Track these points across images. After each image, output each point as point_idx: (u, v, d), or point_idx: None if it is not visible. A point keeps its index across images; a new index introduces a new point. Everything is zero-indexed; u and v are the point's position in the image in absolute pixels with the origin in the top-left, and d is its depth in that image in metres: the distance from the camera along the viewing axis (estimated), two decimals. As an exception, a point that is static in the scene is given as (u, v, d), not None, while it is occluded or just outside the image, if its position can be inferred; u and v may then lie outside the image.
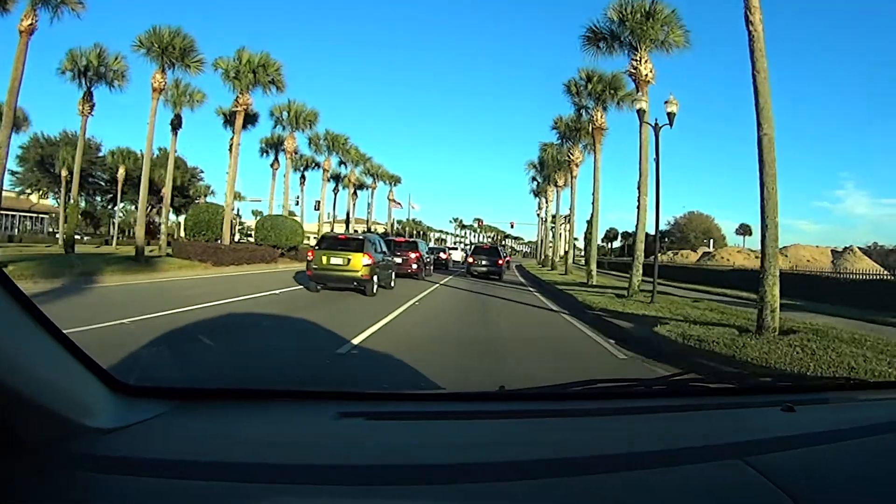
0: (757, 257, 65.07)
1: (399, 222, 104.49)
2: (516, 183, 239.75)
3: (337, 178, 63.68)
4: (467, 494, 1.19)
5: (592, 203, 25.72)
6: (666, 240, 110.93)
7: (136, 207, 54.38)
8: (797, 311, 15.51)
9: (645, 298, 17.69)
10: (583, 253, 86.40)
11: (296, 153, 49.99)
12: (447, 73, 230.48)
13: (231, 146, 43.47)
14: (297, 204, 59.23)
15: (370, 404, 1.80)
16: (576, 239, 61.37)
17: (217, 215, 33.34)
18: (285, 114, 41.96)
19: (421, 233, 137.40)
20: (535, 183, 59.18)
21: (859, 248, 69.86)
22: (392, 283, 20.21)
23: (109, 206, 76.08)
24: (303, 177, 55.05)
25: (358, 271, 16.84)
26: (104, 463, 1.20)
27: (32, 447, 1.16)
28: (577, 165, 34.30)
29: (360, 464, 1.29)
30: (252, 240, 41.42)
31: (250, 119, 43.25)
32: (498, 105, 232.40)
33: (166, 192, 39.82)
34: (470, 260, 31.52)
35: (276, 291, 17.03)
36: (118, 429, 1.35)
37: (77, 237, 70.10)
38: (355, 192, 69.82)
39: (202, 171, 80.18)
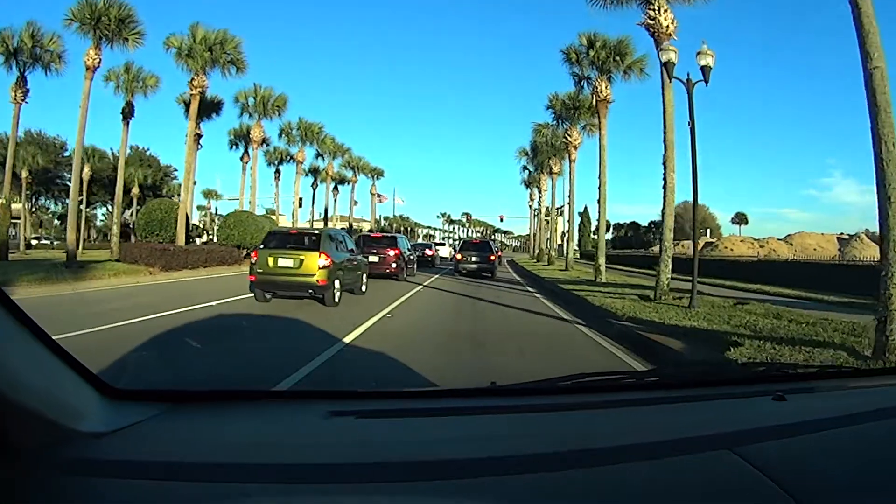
0: (762, 246, 62.73)
1: (386, 218, 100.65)
2: (506, 176, 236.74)
3: (315, 172, 59.89)
4: (459, 490, 1.18)
5: (599, 187, 22.10)
6: (659, 230, 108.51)
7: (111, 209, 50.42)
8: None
9: (677, 301, 14.08)
10: (576, 246, 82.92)
11: (266, 144, 46.17)
12: (431, 60, 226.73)
13: (195, 137, 40.11)
14: (300, 206, 55.52)
15: (360, 403, 1.79)
16: (564, 233, 58.55)
17: (171, 213, 29.49)
18: (251, 99, 38.03)
19: (408, 229, 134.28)
20: (527, 172, 55.50)
21: (866, 234, 67.36)
22: (363, 288, 16.57)
23: (87, 209, 72.37)
24: (277, 171, 51.10)
25: (312, 275, 13.14)
26: (96, 467, 1.20)
27: (24, 452, 1.15)
28: (575, 148, 30.70)
29: (351, 462, 1.28)
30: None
31: (213, 107, 39.39)
32: (486, 94, 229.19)
33: (118, 189, 35.81)
34: (458, 257, 27.82)
35: (214, 303, 13.41)
36: (109, 433, 1.33)
37: (47, 241, 66.39)
38: (336, 187, 66.06)
39: (176, 170, 75.98)
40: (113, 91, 34.71)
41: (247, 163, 46.22)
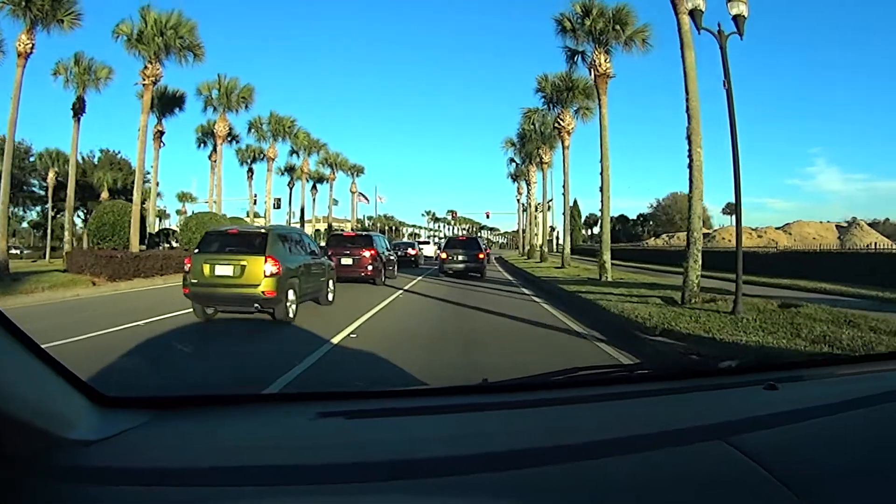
0: (760, 236, 60.49)
1: (369, 218, 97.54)
2: (491, 172, 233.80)
3: (291, 171, 57.04)
4: (453, 487, 1.18)
5: (601, 172, 19.48)
6: (651, 223, 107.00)
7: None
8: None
9: (711, 304, 11.50)
10: (559, 241, 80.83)
11: (236, 141, 43.25)
12: (410, 52, 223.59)
13: (156, 134, 37.13)
14: (277, 207, 52.53)
15: (350, 403, 1.78)
16: (552, 228, 56.07)
17: (125, 216, 26.58)
18: (215, 92, 34.97)
19: (393, 228, 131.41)
20: (514, 165, 52.77)
21: (865, 221, 65.83)
22: (330, 296, 13.88)
23: (59, 216, 69.12)
24: (250, 170, 48.18)
25: (257, 285, 10.45)
26: (87, 474, 1.20)
27: (14, 461, 1.15)
28: (568, 133, 28.03)
29: (341, 462, 1.27)
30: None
31: (175, 102, 36.47)
32: (470, 88, 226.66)
33: (69, 192, 32.84)
34: (443, 256, 25.14)
35: (142, 322, 10.74)
36: (100, 440, 1.32)
37: (16, 251, 63.03)
38: (314, 186, 63.08)
39: (149, 173, 72.46)
40: (63, 85, 31.88)
41: (215, 161, 43.28)
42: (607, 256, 19.30)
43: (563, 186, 27.78)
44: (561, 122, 28.12)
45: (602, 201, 19.51)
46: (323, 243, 22.62)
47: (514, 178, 57.73)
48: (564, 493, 1.18)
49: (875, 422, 1.52)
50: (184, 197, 75.43)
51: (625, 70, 27.53)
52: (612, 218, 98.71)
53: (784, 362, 2.48)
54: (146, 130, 26.90)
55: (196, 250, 11.49)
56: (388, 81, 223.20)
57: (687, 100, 13.12)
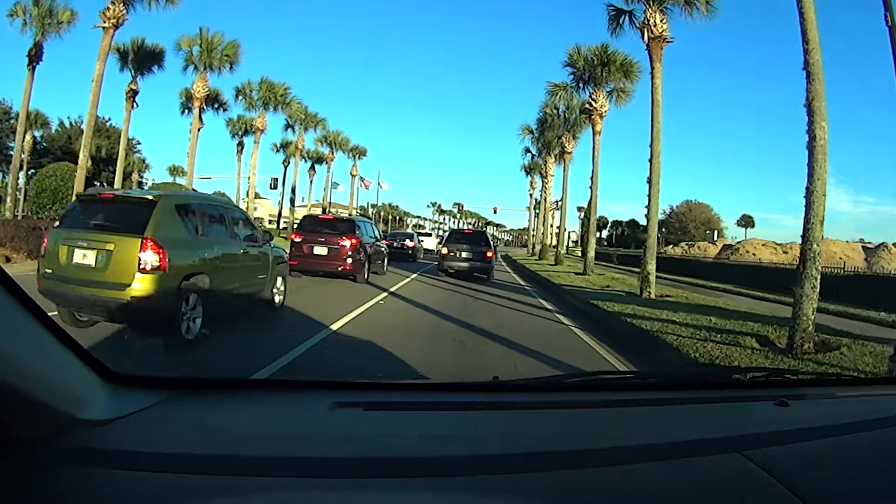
0: (785, 252, 56.29)
1: (373, 206, 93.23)
2: (501, 166, 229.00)
3: (287, 148, 52.93)
4: (465, 487, 1.17)
5: (650, 159, 15.26)
6: (664, 230, 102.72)
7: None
8: None
9: (838, 355, 7.47)
10: (572, 242, 75.98)
11: (221, 108, 38.94)
12: (421, 34, 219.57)
13: (129, 93, 32.93)
14: (274, 187, 48.40)
15: (367, 394, 1.77)
16: (559, 227, 51.38)
17: (68, 181, 22.52)
18: (196, 48, 30.69)
19: (397, 218, 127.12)
20: (529, 157, 48.28)
21: (892, 244, 62.14)
22: (277, 298, 9.86)
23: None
24: (240, 144, 44.03)
25: (125, 285, 6.35)
26: (98, 456, 1.18)
27: (25, 441, 1.12)
28: (601, 117, 23.71)
29: (357, 456, 1.26)
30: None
31: (152, 58, 32.17)
32: (483, 75, 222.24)
33: (16, 153, 28.63)
34: (443, 251, 20.93)
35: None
36: (112, 420, 1.31)
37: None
38: (313, 167, 58.88)
39: (139, 143, 68.52)
40: (20, 29, 27.73)
41: (199, 129, 39.13)
42: (652, 267, 15.11)
43: (591, 179, 23.42)
44: (593, 102, 23.78)
45: (650, 195, 15.30)
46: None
47: (528, 171, 53.23)
48: (580, 499, 1.17)
49: (889, 444, 1.51)
50: (175, 171, 71.14)
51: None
52: (621, 222, 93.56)
53: (794, 380, 2.35)
54: (100, 82, 22.71)
55: (56, 223, 7.41)
56: (398, 63, 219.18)
57: (806, 52, 8.86)
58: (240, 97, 36.62)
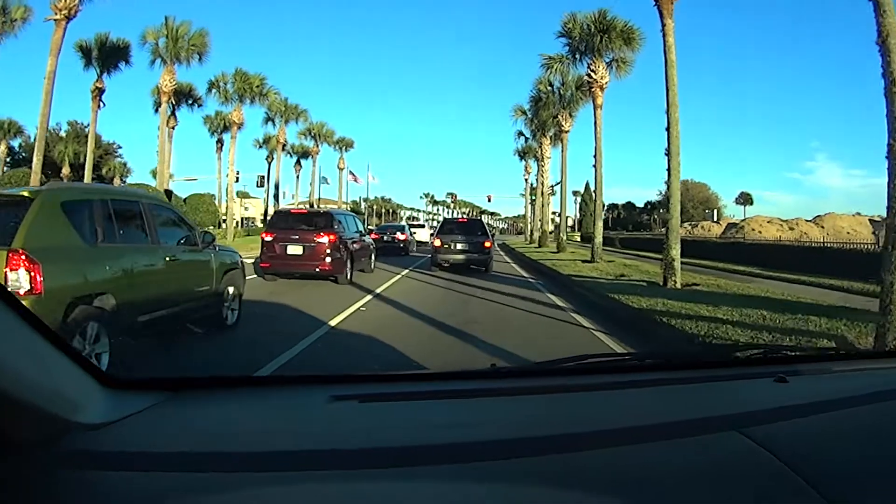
0: (791, 229, 54.45)
1: (366, 200, 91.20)
2: (493, 153, 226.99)
3: (269, 143, 50.86)
4: (464, 474, 1.17)
5: (667, 128, 13.26)
6: (661, 210, 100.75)
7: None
8: None
9: None
10: (569, 227, 74.09)
11: (196, 104, 36.87)
12: (408, 22, 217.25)
13: (95, 92, 30.88)
14: (261, 185, 46.27)
15: (363, 386, 1.77)
16: (555, 213, 49.63)
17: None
18: (162, 40, 28.56)
19: (390, 211, 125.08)
20: (523, 140, 46.24)
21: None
22: (228, 315, 7.96)
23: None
24: (220, 141, 41.84)
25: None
26: (96, 459, 1.18)
27: (21, 446, 1.12)
28: (601, 89, 21.68)
29: (355, 447, 1.26)
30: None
31: (117, 53, 30.20)
32: (473, 61, 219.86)
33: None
34: (436, 243, 18.88)
35: None
36: (108, 423, 1.29)
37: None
38: (298, 162, 56.73)
39: (119, 147, 66.60)
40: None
41: (174, 128, 37.05)
42: (677, 252, 13.05)
43: (595, 157, 21.22)
44: (593, 73, 21.71)
45: (669, 169, 13.24)
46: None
47: (522, 155, 51.21)
48: (580, 481, 1.17)
49: (888, 417, 1.51)
50: (156, 173, 69.05)
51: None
52: (617, 205, 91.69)
53: (793, 356, 2.36)
54: (53, 79, 20.83)
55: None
56: (383, 49, 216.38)
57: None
58: (213, 91, 34.41)
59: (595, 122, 21.32)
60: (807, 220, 58.67)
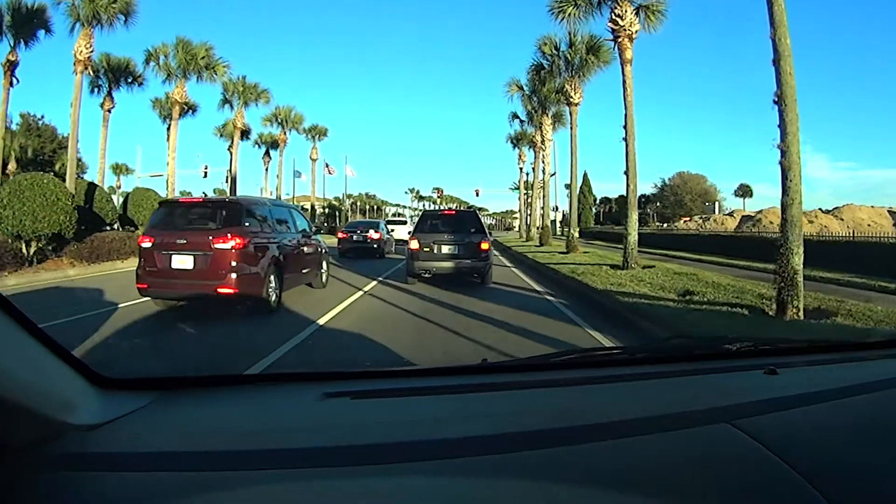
0: (811, 221, 49.29)
1: (349, 196, 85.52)
2: (481, 143, 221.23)
3: (246, 133, 45.47)
4: (457, 469, 1.17)
5: (776, 61, 8.13)
6: (658, 204, 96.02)
7: None
8: None
9: None
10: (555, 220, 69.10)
11: (135, 82, 31.25)
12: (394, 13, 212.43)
13: (6, 66, 25.40)
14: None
15: (354, 383, 1.76)
16: (555, 207, 44.16)
17: None
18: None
19: (375, 208, 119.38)
20: (517, 123, 40.70)
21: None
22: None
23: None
24: (170, 128, 36.13)
25: None
26: (89, 460, 1.18)
27: (13, 448, 1.12)
28: (630, 39, 16.30)
29: (347, 444, 1.26)
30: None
31: (32, 19, 24.66)
32: (460, 49, 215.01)
33: None
34: (413, 245, 13.36)
35: None
36: (101, 424, 1.30)
37: None
38: (268, 153, 51.15)
39: (77, 141, 60.42)
40: None
41: (110, 111, 31.51)
42: (799, 260, 7.89)
43: (626, 127, 15.59)
44: (619, 19, 16.31)
45: (784, 124, 8.10)
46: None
47: (516, 141, 45.73)
48: (572, 475, 1.16)
49: (880, 408, 1.51)
50: (119, 169, 63.28)
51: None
52: (610, 199, 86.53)
53: (783, 347, 2.33)
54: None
55: None
56: (363, 36, 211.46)
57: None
58: (152, 65, 28.75)
59: (624, 83, 15.87)
60: (824, 212, 54.79)
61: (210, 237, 8.76)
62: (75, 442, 1.19)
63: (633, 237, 15.57)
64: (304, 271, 11.16)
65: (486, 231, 13.76)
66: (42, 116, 60.70)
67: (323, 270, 12.55)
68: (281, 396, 1.65)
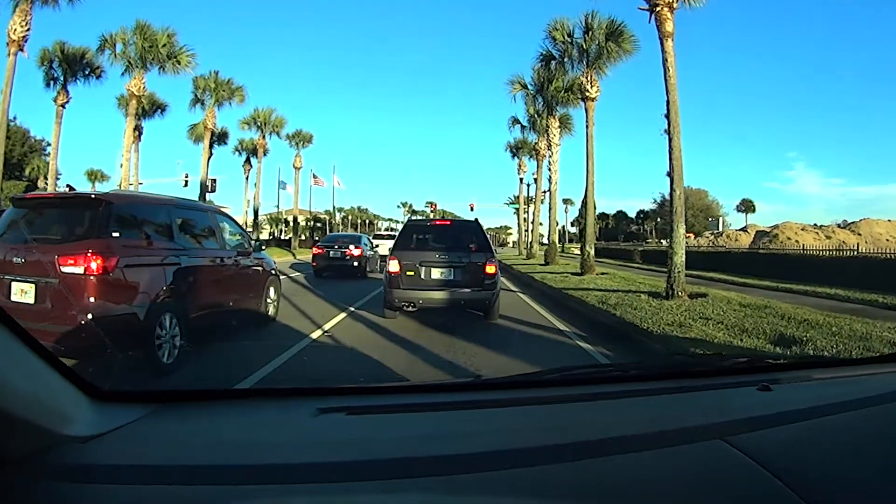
0: (828, 237, 45.91)
1: (340, 210, 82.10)
2: (476, 158, 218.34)
3: (221, 138, 42.23)
4: (449, 486, 1.16)
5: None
6: (657, 220, 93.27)
7: None
8: None
9: None
10: (544, 234, 65.54)
11: (92, 74, 27.96)
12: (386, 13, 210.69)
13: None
14: (213, 189, 37.50)
15: (349, 399, 1.73)
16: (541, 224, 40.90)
17: None
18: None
19: (367, 222, 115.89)
20: (518, 129, 37.26)
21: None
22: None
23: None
24: (137, 129, 32.78)
25: None
26: (84, 472, 1.17)
27: (10, 460, 1.11)
28: (671, 9, 12.98)
29: (341, 460, 1.25)
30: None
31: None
32: (454, 64, 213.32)
33: None
34: (392, 267, 9.79)
35: None
36: (97, 436, 1.29)
37: None
38: (248, 160, 47.83)
39: (49, 144, 57.05)
40: None
41: (64, 105, 28.18)
42: None
43: (668, 116, 12.31)
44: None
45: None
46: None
47: (515, 150, 42.48)
48: (565, 492, 1.15)
49: (873, 424, 1.50)
50: (94, 175, 59.78)
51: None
52: (607, 215, 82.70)
53: (776, 364, 2.27)
54: None
55: None
56: (360, 46, 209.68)
57: None
58: (107, 52, 25.39)
59: (665, 61, 12.41)
60: (840, 226, 52.29)
61: (56, 256, 5.41)
62: (71, 453, 1.18)
63: (681, 257, 12.05)
64: (232, 303, 7.78)
65: (492, 248, 10.38)
66: (14, 118, 56.98)
67: (270, 299, 9.19)
68: (275, 411, 1.62)
